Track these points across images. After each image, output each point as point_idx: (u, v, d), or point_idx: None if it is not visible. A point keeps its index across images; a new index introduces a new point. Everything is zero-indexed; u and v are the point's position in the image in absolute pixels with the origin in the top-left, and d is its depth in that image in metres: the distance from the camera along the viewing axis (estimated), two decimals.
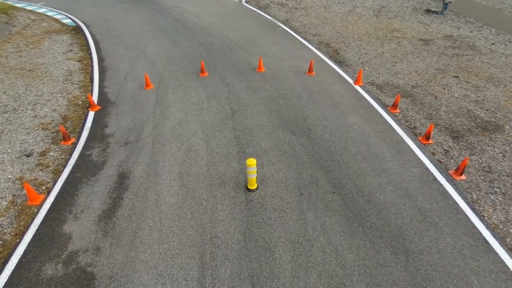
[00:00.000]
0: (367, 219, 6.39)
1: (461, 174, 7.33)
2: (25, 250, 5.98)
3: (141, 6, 19.94)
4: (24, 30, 16.23)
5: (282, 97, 10.43)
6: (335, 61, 13.05)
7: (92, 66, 12.88)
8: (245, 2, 20.73)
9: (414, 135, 8.73)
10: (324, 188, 7.11)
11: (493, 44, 13.96)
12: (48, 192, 7.23)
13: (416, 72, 12.00)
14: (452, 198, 6.81)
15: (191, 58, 13.24)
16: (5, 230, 6.37)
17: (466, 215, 6.43)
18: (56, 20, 17.72)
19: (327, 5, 19.91)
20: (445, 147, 8.33)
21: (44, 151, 8.41)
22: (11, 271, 5.64)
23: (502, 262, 5.60)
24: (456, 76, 11.58)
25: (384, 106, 10.00)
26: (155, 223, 6.40)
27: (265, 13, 18.67)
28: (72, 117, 9.77)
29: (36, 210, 6.80)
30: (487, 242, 5.92)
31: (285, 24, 16.90)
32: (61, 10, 19.24)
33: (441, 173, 7.45)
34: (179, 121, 9.46)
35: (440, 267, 5.51)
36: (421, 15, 17.78)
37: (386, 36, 15.17)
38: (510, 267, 5.52)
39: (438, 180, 7.25)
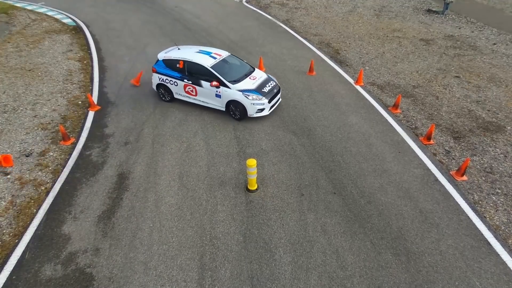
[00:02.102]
0: (368, 220, 6.35)
1: (462, 175, 7.28)
2: (23, 251, 5.95)
3: (141, 6, 19.91)
4: (24, 29, 16.21)
5: (283, 97, 10.38)
6: (336, 61, 13.01)
7: (92, 66, 12.85)
8: (246, 2, 20.70)
9: (415, 136, 8.69)
10: (324, 188, 7.07)
11: (495, 44, 13.91)
12: (47, 193, 7.20)
13: (417, 72, 11.95)
14: (454, 199, 6.77)
15: None
16: (4, 231, 6.34)
17: (468, 216, 6.39)
18: (56, 20, 17.69)
19: (328, 5, 19.87)
20: (447, 148, 8.28)
21: (44, 151, 8.38)
22: (9, 272, 5.61)
23: (504, 263, 5.55)
24: (457, 76, 11.53)
25: (385, 106, 9.96)
26: (154, 223, 6.37)
27: (265, 13, 18.63)
28: (72, 117, 9.74)
29: (35, 210, 6.77)
30: (488, 243, 5.88)
31: (285, 24, 16.86)
32: (61, 9, 19.21)
33: (442, 173, 7.41)
34: (179, 121, 9.43)
35: (442, 269, 5.47)
36: (422, 15, 17.73)
37: (387, 36, 15.12)
38: None
39: (439, 181, 7.21)
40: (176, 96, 9.94)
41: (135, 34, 15.70)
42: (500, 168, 7.59)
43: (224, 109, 9.32)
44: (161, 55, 9.96)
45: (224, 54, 9.86)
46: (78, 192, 7.18)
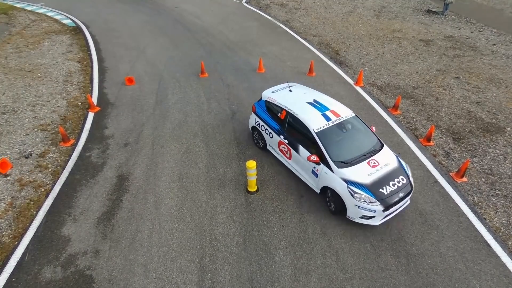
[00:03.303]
0: None
1: (462, 176, 7.28)
2: (23, 253, 5.94)
3: (141, 7, 19.90)
4: (24, 30, 16.20)
5: None
6: (336, 61, 13.01)
7: (91, 67, 12.84)
8: (246, 2, 20.69)
9: (415, 137, 8.68)
10: None
11: (494, 44, 13.91)
12: (47, 194, 7.20)
13: (417, 73, 11.95)
14: (454, 200, 6.77)
15: (191, 58, 13.20)
16: (4, 233, 6.33)
17: (468, 218, 6.39)
18: (56, 21, 17.68)
19: (328, 6, 19.87)
20: (446, 149, 8.28)
21: (43, 152, 8.37)
22: (9, 274, 5.61)
23: (503, 265, 5.55)
24: (457, 77, 11.53)
25: (385, 107, 9.96)
26: (154, 225, 6.37)
27: (265, 13, 18.63)
28: (72, 118, 9.74)
29: (34, 212, 6.76)
30: (488, 245, 5.88)
31: (285, 25, 16.86)
32: (61, 10, 19.20)
33: (442, 175, 7.40)
34: (179, 122, 9.42)
35: (441, 271, 5.47)
36: (422, 15, 17.74)
37: (387, 37, 15.12)
38: None
39: (439, 182, 7.20)
40: (268, 147, 7.92)
41: (135, 34, 15.69)
42: (500, 170, 7.59)
43: (318, 192, 6.68)
44: (266, 94, 7.88)
45: (345, 114, 6.84)
46: (77, 193, 7.17)
